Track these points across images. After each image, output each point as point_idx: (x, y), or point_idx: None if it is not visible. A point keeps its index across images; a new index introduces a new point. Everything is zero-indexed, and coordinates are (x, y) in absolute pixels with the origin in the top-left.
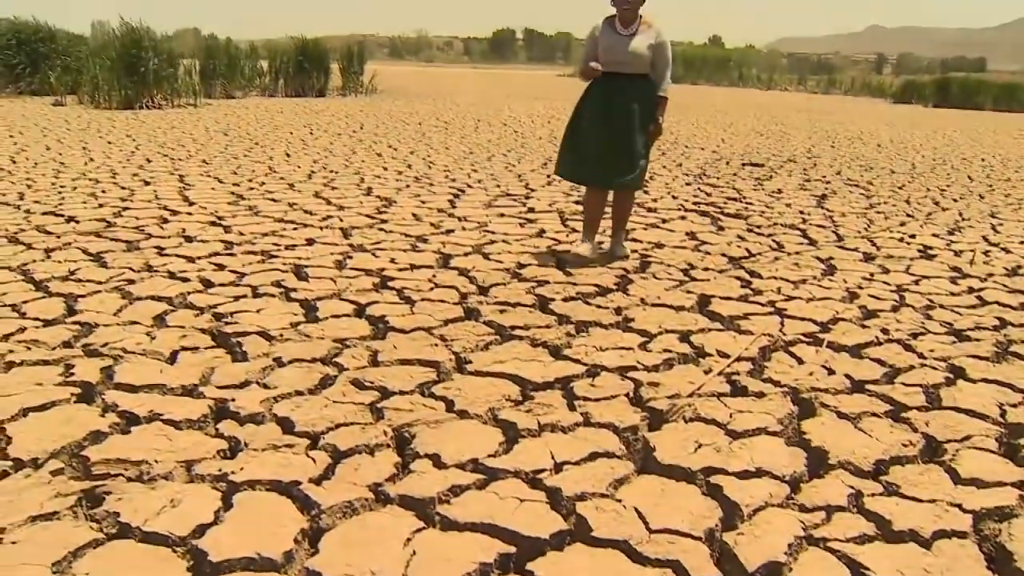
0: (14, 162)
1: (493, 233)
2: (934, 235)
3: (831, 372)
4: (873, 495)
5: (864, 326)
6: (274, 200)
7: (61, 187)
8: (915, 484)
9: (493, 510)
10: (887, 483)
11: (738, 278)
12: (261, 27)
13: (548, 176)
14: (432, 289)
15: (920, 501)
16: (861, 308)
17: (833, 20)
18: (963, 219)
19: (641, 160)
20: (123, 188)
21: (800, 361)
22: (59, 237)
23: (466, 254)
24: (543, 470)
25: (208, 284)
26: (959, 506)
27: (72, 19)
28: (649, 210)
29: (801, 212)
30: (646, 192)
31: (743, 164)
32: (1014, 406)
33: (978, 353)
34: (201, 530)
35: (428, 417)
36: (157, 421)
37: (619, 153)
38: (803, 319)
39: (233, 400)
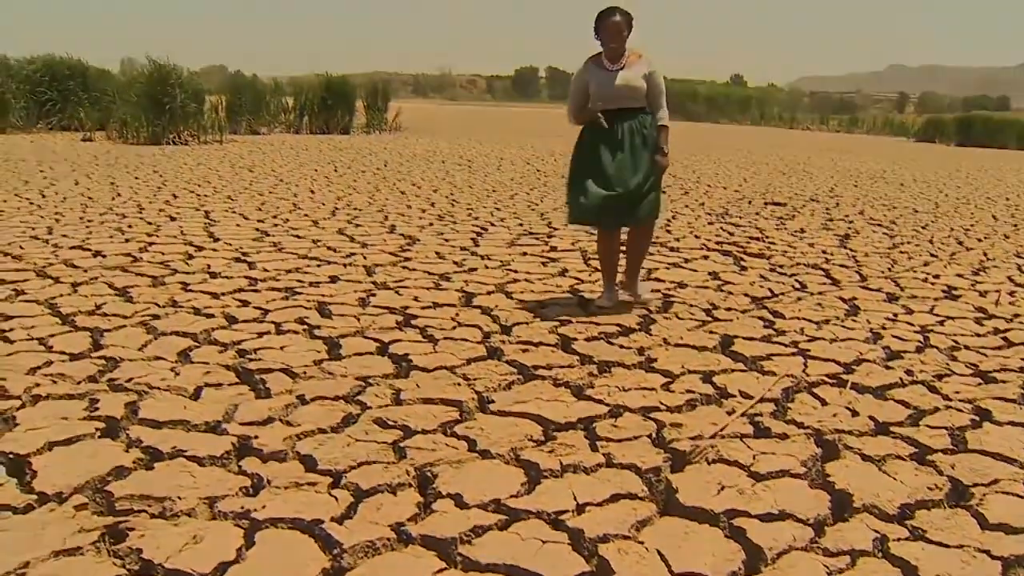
0: (43, 196)
1: (516, 272)
2: (958, 275)
3: (855, 414)
4: (899, 540)
5: (888, 367)
6: (298, 237)
7: (88, 222)
8: (941, 529)
9: (515, 551)
10: (913, 527)
11: (761, 318)
12: (287, 64)
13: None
14: (455, 328)
15: (947, 547)
16: (885, 349)
17: (854, 59)
18: (988, 259)
19: (651, 193)
20: (149, 223)
21: (824, 402)
22: (86, 271)
23: (489, 293)
24: (565, 511)
25: (232, 320)
26: (987, 552)
27: (102, 55)
28: (671, 249)
29: (824, 252)
30: (668, 231)
31: (765, 203)
32: None
33: (1004, 395)
34: (223, 568)
35: (450, 457)
36: (180, 457)
37: (627, 192)
38: (826, 360)
39: (256, 437)
